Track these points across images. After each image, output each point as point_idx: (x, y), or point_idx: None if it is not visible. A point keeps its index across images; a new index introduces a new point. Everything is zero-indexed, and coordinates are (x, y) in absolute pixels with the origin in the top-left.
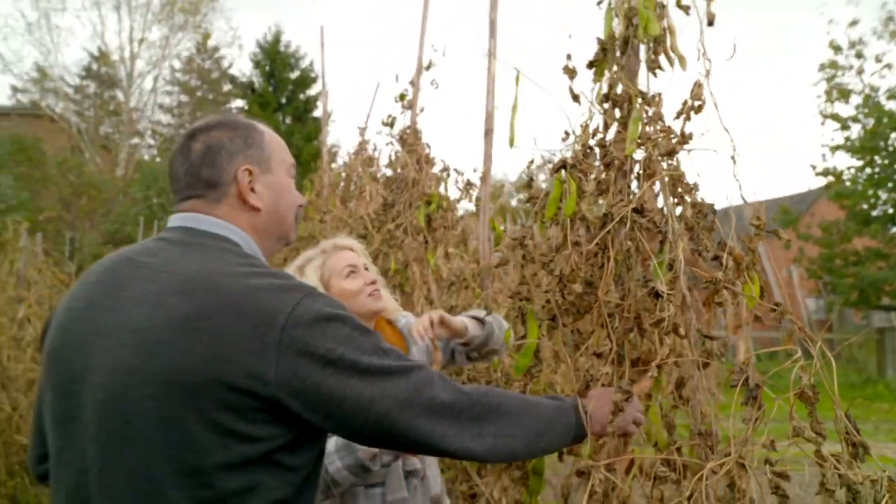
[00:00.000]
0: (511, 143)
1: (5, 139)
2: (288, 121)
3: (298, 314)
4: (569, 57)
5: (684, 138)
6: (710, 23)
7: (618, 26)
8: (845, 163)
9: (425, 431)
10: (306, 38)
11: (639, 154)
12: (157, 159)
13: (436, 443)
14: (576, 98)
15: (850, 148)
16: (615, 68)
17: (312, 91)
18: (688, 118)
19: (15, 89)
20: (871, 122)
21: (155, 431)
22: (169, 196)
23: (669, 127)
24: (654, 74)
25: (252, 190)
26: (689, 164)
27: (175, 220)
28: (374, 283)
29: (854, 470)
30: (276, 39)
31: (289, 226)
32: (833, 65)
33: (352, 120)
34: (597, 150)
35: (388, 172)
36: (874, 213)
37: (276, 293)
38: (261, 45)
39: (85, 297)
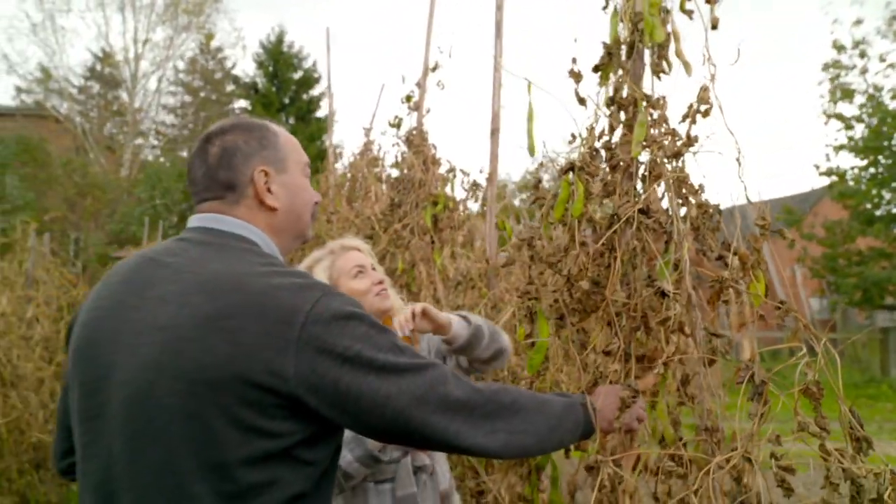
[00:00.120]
0: (531, 152)
1: (10, 140)
2: (291, 121)
3: (317, 312)
4: (574, 61)
5: (689, 141)
6: (714, 27)
7: (623, 31)
8: (849, 162)
9: (440, 428)
10: (309, 38)
11: (644, 156)
12: (161, 160)
13: (450, 439)
14: (582, 101)
15: (853, 148)
16: (620, 72)
17: (315, 91)
18: (693, 121)
19: (20, 90)
20: (874, 121)
21: (179, 427)
22: (173, 196)
23: (674, 129)
24: (659, 78)
25: (269, 190)
26: (695, 165)
27: (194, 220)
28: (381, 282)
29: (858, 464)
30: (280, 40)
31: (305, 224)
32: (837, 64)
33: (355, 121)
34: (603, 152)
35: (394, 173)
36: (878, 213)
37: (296, 291)
38: (264, 45)
39: (110, 297)
